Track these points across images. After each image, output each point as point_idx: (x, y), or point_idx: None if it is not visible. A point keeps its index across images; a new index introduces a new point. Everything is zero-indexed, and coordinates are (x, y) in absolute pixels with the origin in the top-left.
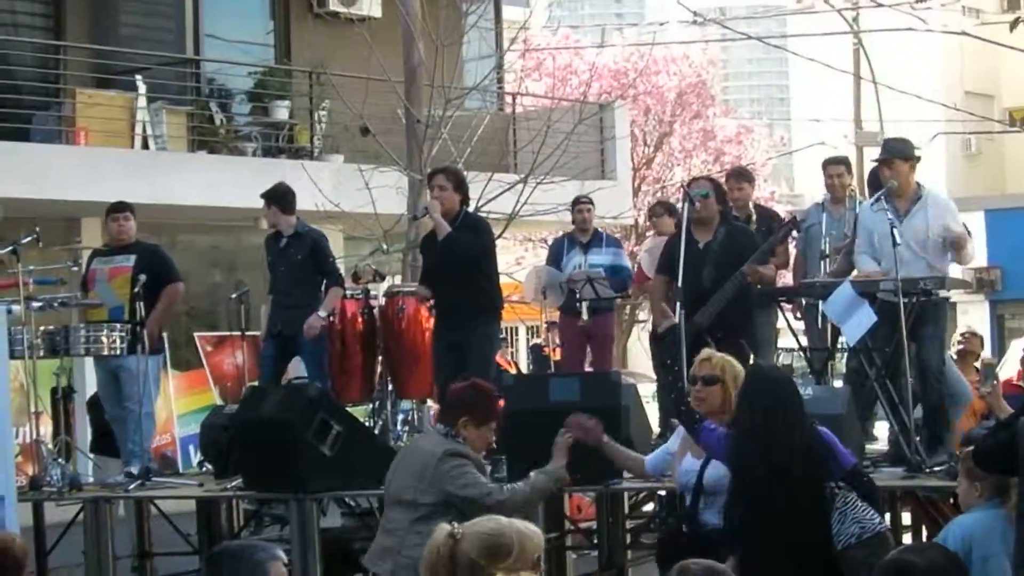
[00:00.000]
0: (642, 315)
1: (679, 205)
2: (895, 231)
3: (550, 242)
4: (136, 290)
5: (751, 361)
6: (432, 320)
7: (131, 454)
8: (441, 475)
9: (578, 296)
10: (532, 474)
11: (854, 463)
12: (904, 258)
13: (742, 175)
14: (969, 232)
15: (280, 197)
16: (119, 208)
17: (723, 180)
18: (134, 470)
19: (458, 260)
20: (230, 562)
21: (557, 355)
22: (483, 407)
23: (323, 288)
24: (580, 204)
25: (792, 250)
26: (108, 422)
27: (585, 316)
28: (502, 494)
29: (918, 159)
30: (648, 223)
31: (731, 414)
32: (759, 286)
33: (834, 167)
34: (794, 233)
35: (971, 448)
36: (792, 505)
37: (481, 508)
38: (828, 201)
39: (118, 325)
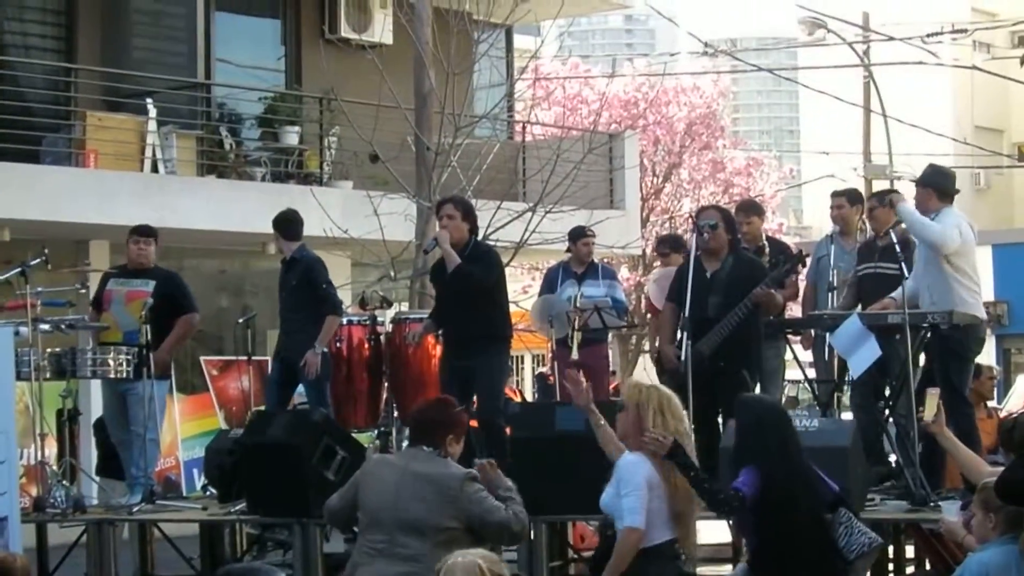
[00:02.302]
0: (648, 345)
1: (687, 237)
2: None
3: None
4: (143, 313)
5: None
6: (439, 347)
7: (134, 479)
8: (467, 499)
9: (576, 326)
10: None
11: (837, 488)
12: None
13: (751, 208)
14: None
15: (280, 223)
16: (143, 232)
17: (732, 212)
18: (135, 499)
19: (467, 291)
20: None
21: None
22: (461, 423)
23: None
24: (586, 237)
25: (802, 282)
26: (113, 445)
27: (575, 350)
28: (524, 515)
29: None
30: (655, 254)
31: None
32: (769, 317)
33: (834, 199)
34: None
35: (990, 480)
36: (813, 526)
37: (501, 531)
38: (837, 233)
39: (125, 348)
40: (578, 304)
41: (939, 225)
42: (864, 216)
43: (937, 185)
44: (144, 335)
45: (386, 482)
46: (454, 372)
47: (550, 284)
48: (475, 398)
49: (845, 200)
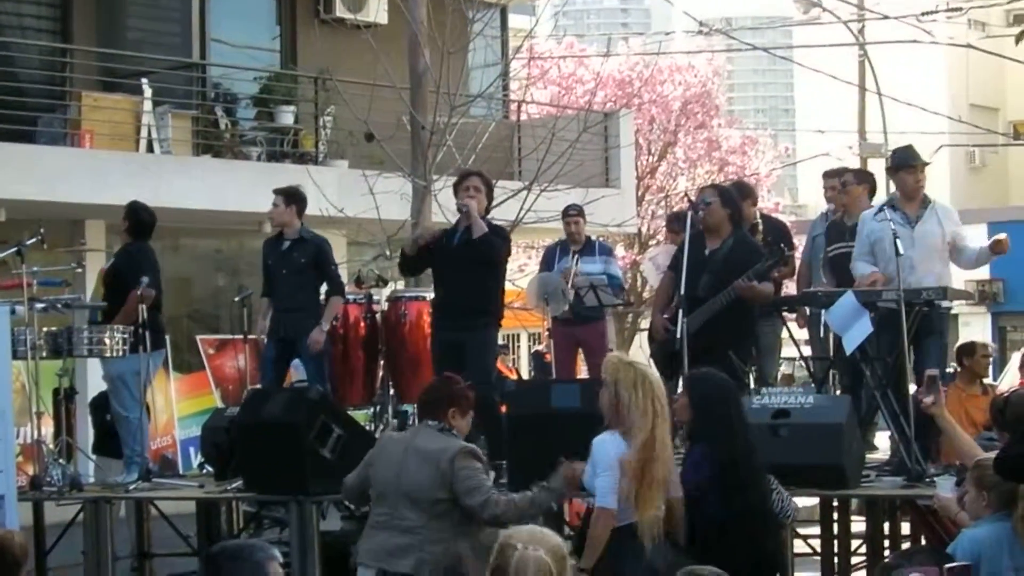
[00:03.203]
0: (644, 323)
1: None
2: (898, 241)
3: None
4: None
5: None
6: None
7: (129, 460)
8: (454, 473)
9: (572, 304)
10: (534, 489)
11: None
12: (913, 264)
13: (743, 191)
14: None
15: (297, 196)
16: None
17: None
18: (131, 478)
19: (483, 258)
20: (230, 563)
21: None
22: (465, 397)
23: (324, 295)
24: (568, 216)
25: (798, 259)
26: (110, 423)
27: (569, 312)
28: (497, 508)
29: (926, 163)
30: (667, 232)
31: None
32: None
33: (827, 180)
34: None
35: (986, 457)
36: (763, 497)
37: (474, 513)
38: (831, 211)
39: (121, 327)
40: (574, 281)
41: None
42: (838, 192)
43: (921, 162)
44: (140, 313)
45: (392, 457)
46: (447, 346)
47: (548, 261)
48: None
49: (837, 180)
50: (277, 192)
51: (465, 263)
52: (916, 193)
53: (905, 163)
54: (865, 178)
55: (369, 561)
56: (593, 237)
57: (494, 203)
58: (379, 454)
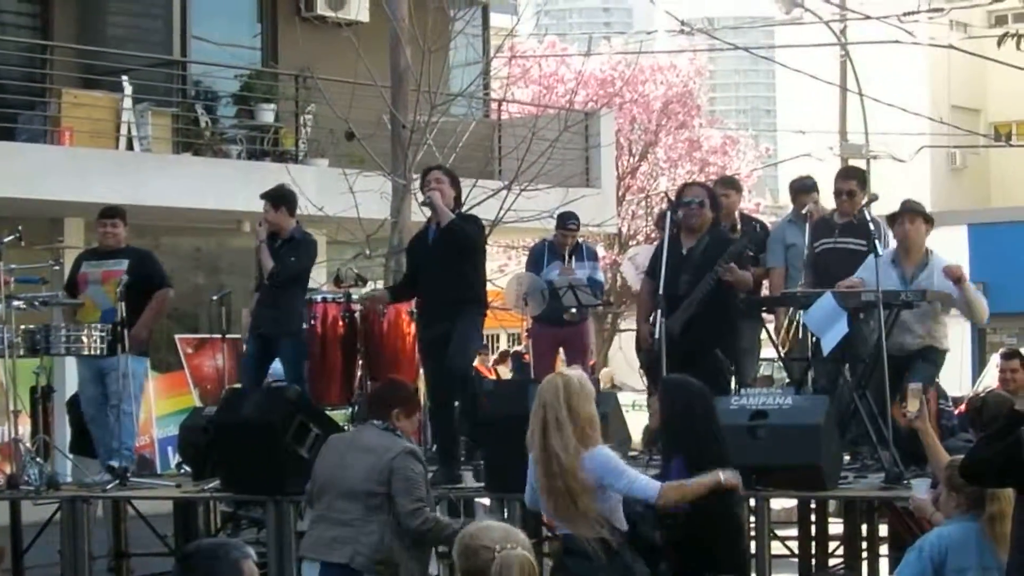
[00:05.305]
0: (623, 324)
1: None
2: (877, 242)
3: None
4: (118, 291)
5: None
6: (413, 324)
7: (113, 451)
8: (392, 470)
9: (565, 305)
10: (457, 524)
11: None
12: (908, 325)
13: (729, 183)
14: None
15: (288, 197)
16: (108, 214)
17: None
18: (115, 463)
19: (456, 246)
20: (205, 562)
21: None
22: (410, 399)
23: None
24: (567, 229)
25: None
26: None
27: (568, 315)
28: (426, 523)
29: (929, 217)
30: (655, 229)
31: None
32: (742, 296)
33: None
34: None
35: (957, 458)
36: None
37: (400, 517)
38: (797, 217)
39: (99, 325)
40: (555, 282)
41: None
42: (843, 194)
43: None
44: (120, 313)
45: (334, 453)
46: (431, 343)
47: (536, 261)
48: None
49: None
50: (263, 197)
51: (441, 257)
52: (911, 245)
53: (908, 209)
54: (864, 181)
55: (309, 553)
56: (580, 240)
57: (476, 202)
58: (323, 452)
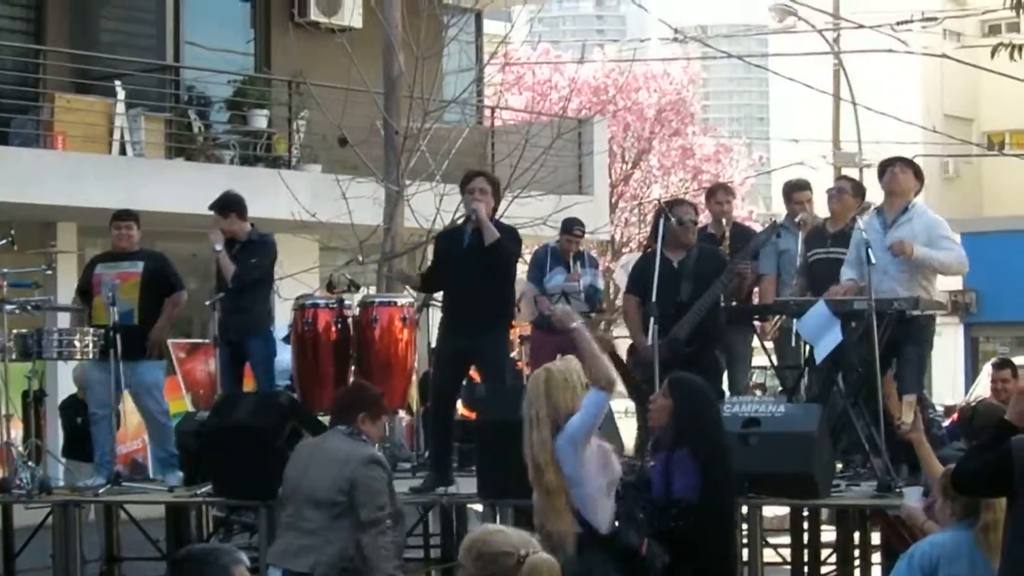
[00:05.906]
0: (616, 331)
1: (661, 221)
2: (870, 250)
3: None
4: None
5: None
6: (406, 330)
7: (165, 462)
8: (355, 478)
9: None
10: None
11: None
12: (885, 269)
13: (729, 190)
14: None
15: (236, 203)
16: (123, 216)
17: (704, 196)
18: (101, 479)
19: (494, 266)
20: (196, 567)
21: (529, 369)
22: (376, 403)
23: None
24: (573, 235)
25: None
26: (80, 426)
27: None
28: (382, 539)
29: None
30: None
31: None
32: (733, 302)
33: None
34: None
35: (951, 467)
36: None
37: (357, 528)
38: (790, 222)
39: (92, 330)
40: (548, 288)
41: (953, 252)
42: (833, 200)
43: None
44: (111, 315)
45: (301, 460)
46: (456, 352)
47: (539, 266)
48: (479, 376)
49: (849, 187)
50: (211, 208)
51: (476, 267)
52: (897, 189)
53: (902, 159)
54: (860, 192)
55: (275, 561)
56: (582, 247)
57: None
58: (292, 458)
